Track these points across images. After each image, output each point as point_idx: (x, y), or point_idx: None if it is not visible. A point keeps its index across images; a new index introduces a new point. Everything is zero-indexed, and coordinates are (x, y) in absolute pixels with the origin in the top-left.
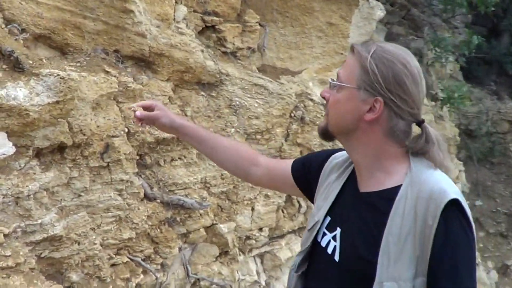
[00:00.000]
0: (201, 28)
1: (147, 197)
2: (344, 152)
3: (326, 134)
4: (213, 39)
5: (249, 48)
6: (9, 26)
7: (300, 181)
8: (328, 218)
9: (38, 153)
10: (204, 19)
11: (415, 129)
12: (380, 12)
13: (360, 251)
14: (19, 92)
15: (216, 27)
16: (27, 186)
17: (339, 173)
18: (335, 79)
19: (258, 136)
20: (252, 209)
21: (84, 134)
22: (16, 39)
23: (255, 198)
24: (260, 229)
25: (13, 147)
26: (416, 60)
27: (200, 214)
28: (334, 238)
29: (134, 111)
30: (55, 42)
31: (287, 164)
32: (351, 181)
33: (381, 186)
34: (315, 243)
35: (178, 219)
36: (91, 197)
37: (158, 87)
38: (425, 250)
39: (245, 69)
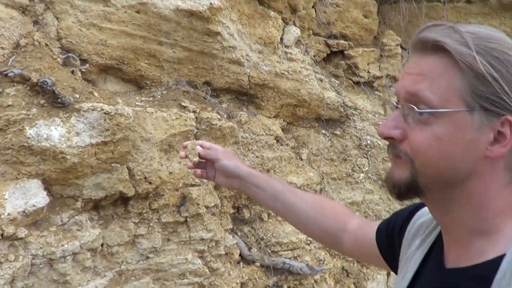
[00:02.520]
0: (325, 55)
1: (244, 259)
2: None
3: (410, 190)
4: (343, 67)
5: (388, 76)
6: (63, 56)
7: (383, 249)
8: None
9: (96, 206)
10: (329, 43)
11: None
12: None
13: None
14: (53, 132)
15: (345, 52)
16: (62, 245)
17: (423, 238)
18: (420, 105)
19: None
20: (388, 274)
21: (151, 183)
22: (72, 71)
23: None
24: None
25: (47, 197)
26: None
27: (315, 281)
28: None
29: (186, 147)
30: (127, 74)
31: (374, 226)
32: (437, 250)
33: (476, 259)
34: None
35: (285, 286)
36: (161, 260)
37: (261, 125)
38: None
39: (381, 101)
